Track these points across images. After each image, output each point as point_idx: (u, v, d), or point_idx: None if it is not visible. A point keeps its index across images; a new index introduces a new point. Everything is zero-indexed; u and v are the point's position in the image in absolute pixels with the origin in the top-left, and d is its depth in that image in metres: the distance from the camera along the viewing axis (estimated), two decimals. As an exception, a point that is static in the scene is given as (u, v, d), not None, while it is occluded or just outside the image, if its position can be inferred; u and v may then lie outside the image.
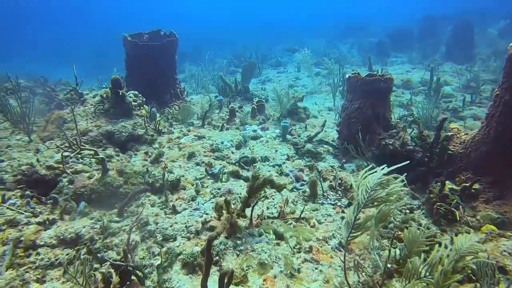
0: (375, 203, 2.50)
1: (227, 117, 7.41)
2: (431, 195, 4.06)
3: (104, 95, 6.03)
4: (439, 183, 4.09)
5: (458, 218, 3.54)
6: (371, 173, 2.76)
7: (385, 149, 5.16)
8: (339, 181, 4.64)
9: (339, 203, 4.25)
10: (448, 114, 8.39)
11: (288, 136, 6.42)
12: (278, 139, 6.37)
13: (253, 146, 6.06)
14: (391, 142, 5.12)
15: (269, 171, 5.15)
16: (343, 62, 13.85)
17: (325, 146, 6.05)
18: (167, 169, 4.41)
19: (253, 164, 5.30)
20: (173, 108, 7.81)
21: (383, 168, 2.70)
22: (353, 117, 5.64)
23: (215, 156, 5.33)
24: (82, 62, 21.16)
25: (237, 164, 5.22)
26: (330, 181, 4.76)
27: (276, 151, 5.86)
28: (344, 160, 5.46)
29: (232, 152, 5.68)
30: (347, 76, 5.74)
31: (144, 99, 6.64)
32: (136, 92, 6.55)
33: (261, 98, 8.81)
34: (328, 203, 4.24)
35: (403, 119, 7.76)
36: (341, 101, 9.53)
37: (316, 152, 5.72)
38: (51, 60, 22.36)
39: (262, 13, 42.91)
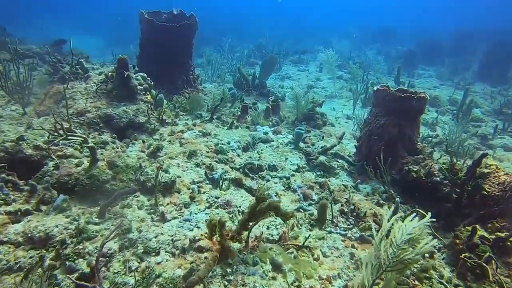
0: (401, 266, 1.98)
1: (239, 113, 6.89)
2: (457, 241, 3.52)
3: (109, 74, 5.57)
4: (468, 228, 3.54)
5: (490, 277, 3.00)
6: (395, 220, 2.26)
7: (407, 175, 4.62)
8: (352, 207, 4.11)
9: (349, 234, 3.73)
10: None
11: (301, 144, 5.88)
12: (290, 145, 5.84)
13: (261, 150, 5.54)
14: (415, 169, 4.56)
15: (275, 182, 4.65)
16: (367, 68, 13.12)
17: (340, 160, 5.50)
18: (161, 168, 3.94)
19: (259, 173, 4.78)
20: (183, 96, 7.33)
21: (413, 218, 2.19)
22: (375, 134, 5.06)
23: (218, 159, 4.80)
24: (104, 33, 20.75)
25: (241, 170, 4.71)
26: (342, 205, 4.23)
27: (286, 159, 5.34)
28: (359, 180, 4.91)
29: (238, 155, 5.17)
30: (375, 88, 5.15)
31: (152, 83, 6.15)
32: (145, 75, 6.05)
33: (278, 97, 8.27)
34: (337, 233, 3.71)
35: (427, 140, 7.16)
36: (361, 109, 8.93)
37: (329, 166, 5.18)
38: (71, 27, 21.98)
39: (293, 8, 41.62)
